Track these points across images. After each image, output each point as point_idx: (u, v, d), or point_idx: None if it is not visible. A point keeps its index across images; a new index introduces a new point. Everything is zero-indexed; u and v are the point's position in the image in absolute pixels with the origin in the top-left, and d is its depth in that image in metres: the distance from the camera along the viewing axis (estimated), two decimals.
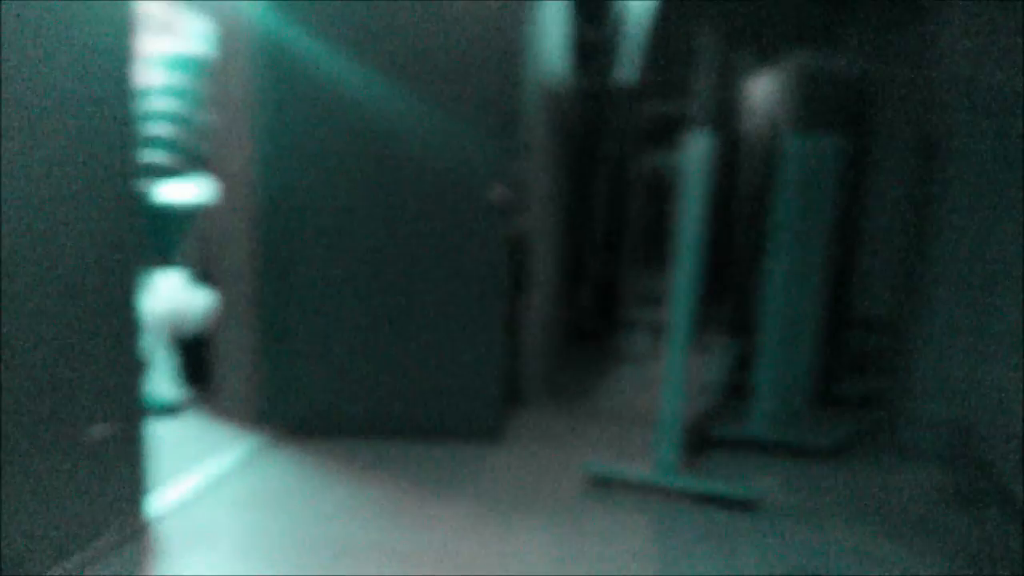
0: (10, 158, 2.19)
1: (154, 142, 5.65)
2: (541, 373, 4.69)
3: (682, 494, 3.21)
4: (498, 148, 3.52)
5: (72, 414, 2.46)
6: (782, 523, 3.02)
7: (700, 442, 3.74)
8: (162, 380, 4.26)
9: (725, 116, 6.06)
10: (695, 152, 3.15)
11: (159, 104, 5.72)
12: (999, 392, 3.49)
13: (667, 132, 6.53)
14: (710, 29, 3.35)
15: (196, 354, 4.14)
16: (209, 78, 3.77)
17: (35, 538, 2.35)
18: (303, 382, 3.73)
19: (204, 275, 4.08)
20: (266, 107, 3.59)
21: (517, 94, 3.53)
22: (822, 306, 4.05)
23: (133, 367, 2.72)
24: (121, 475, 2.69)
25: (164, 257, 4.81)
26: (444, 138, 3.53)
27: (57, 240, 2.36)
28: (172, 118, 5.75)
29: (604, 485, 3.30)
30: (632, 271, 6.22)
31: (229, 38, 3.67)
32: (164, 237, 4.83)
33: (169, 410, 3.94)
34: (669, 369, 3.23)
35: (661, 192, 6.43)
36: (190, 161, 5.64)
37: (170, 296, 4.18)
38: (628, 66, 5.51)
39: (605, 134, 5.76)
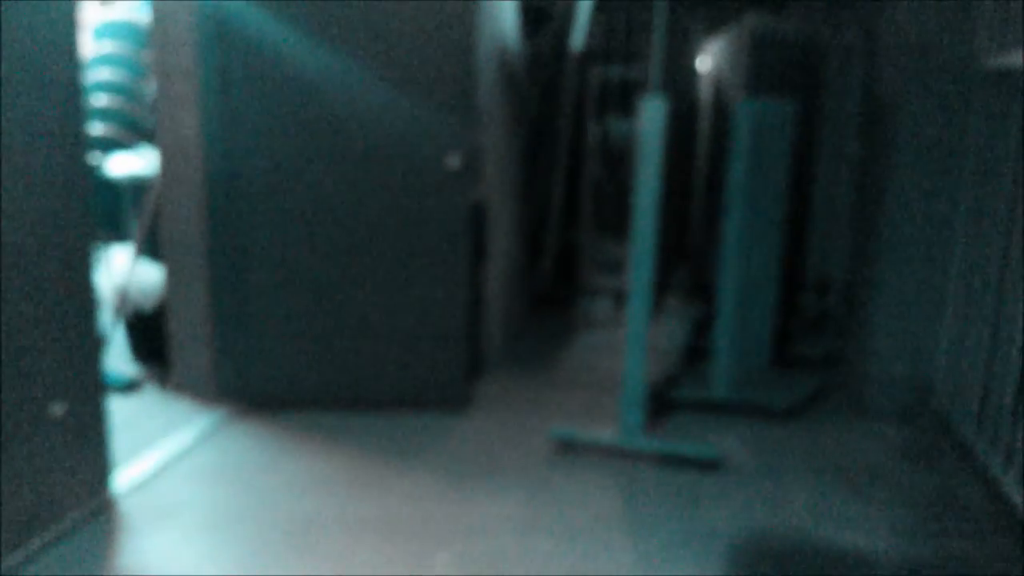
0: None
1: (98, 113, 5.48)
2: (503, 340, 4.70)
3: (647, 456, 3.25)
4: (454, 116, 3.48)
5: (32, 393, 2.39)
6: (745, 481, 3.08)
7: (663, 405, 3.79)
8: (117, 356, 4.17)
9: (678, 80, 6.08)
10: (650, 117, 3.15)
11: (101, 74, 5.54)
12: (954, 348, 3.59)
13: (621, 97, 6.53)
14: None
15: (150, 329, 4.05)
16: (152, 46, 3.64)
17: (0, 517, 2.29)
18: (261, 355, 3.67)
19: (154, 249, 3.98)
20: (211, 74, 3.48)
21: (471, 61, 3.48)
22: (779, 269, 4.12)
23: (91, 344, 2.65)
24: (84, 453, 2.63)
25: (113, 231, 4.68)
26: (399, 106, 3.48)
27: (8, 217, 2.27)
28: (115, 88, 5.57)
29: (570, 449, 3.33)
30: (591, 237, 6.23)
31: (171, 5, 3.54)
32: (112, 211, 4.70)
33: (126, 387, 3.85)
34: (631, 334, 3.25)
35: (618, 157, 6.44)
36: (135, 133, 5.48)
37: (121, 271, 4.07)
38: (580, 31, 5.47)
39: (559, 100, 5.73)
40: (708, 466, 3.18)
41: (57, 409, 2.48)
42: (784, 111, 4.02)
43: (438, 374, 3.68)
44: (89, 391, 2.66)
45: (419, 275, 3.59)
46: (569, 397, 4.02)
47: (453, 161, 3.49)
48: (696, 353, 4.47)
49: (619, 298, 5.70)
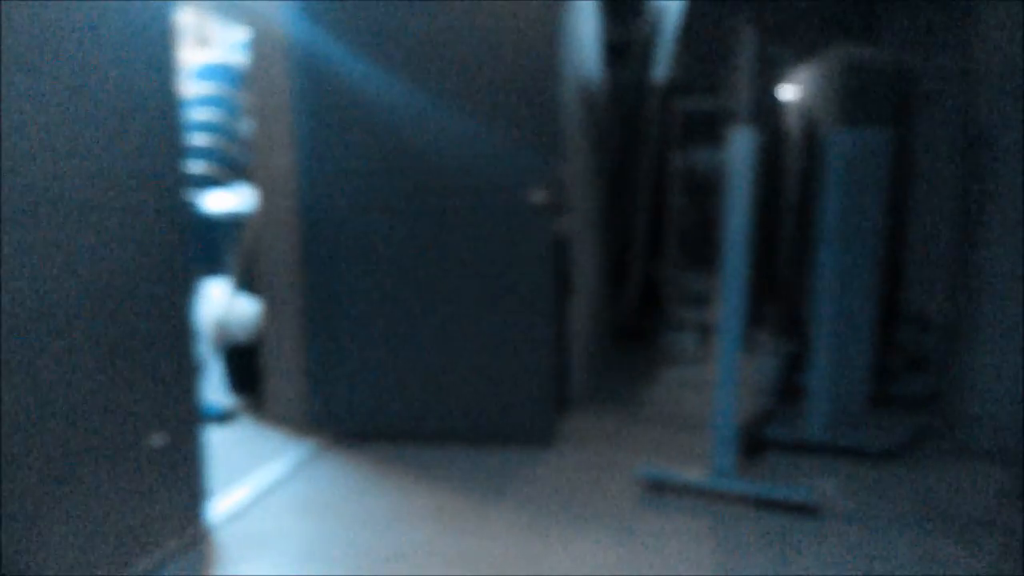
0: (62, 171, 2.21)
1: (196, 152, 5.72)
2: (587, 376, 4.66)
3: (739, 499, 3.15)
4: (538, 149, 3.50)
5: (131, 423, 2.48)
6: (844, 528, 2.95)
7: (755, 445, 3.68)
8: (213, 387, 4.30)
9: (767, 111, 5.98)
10: (739, 149, 3.09)
11: (199, 114, 5.79)
12: None
13: (705, 128, 6.46)
14: (747, 22, 3.29)
15: (244, 362, 4.17)
16: (247, 87, 3.78)
17: (99, 546, 2.37)
18: (351, 387, 3.73)
19: (249, 283, 4.11)
20: (305, 115, 3.60)
21: (554, 95, 3.50)
22: (875, 304, 3.97)
23: (189, 375, 2.74)
24: (180, 483, 2.71)
25: (210, 266, 4.85)
26: (483, 141, 3.52)
27: (110, 251, 2.37)
28: (212, 128, 5.81)
29: (658, 489, 3.25)
30: (674, 270, 6.15)
31: (265, 46, 3.69)
32: (209, 246, 4.88)
33: (222, 417, 3.97)
34: (722, 370, 3.17)
35: (702, 189, 6.36)
36: (231, 170, 5.69)
37: (218, 304, 4.21)
38: (664, 62, 5.45)
39: (642, 131, 5.71)
40: (804, 511, 3.06)
41: (156, 439, 2.57)
42: (878, 140, 3.89)
43: (523, 409, 3.67)
44: (186, 421, 2.74)
45: (505, 310, 3.60)
46: (656, 435, 3.94)
47: (537, 195, 3.50)
48: (789, 391, 4.33)
49: (705, 333, 5.59)
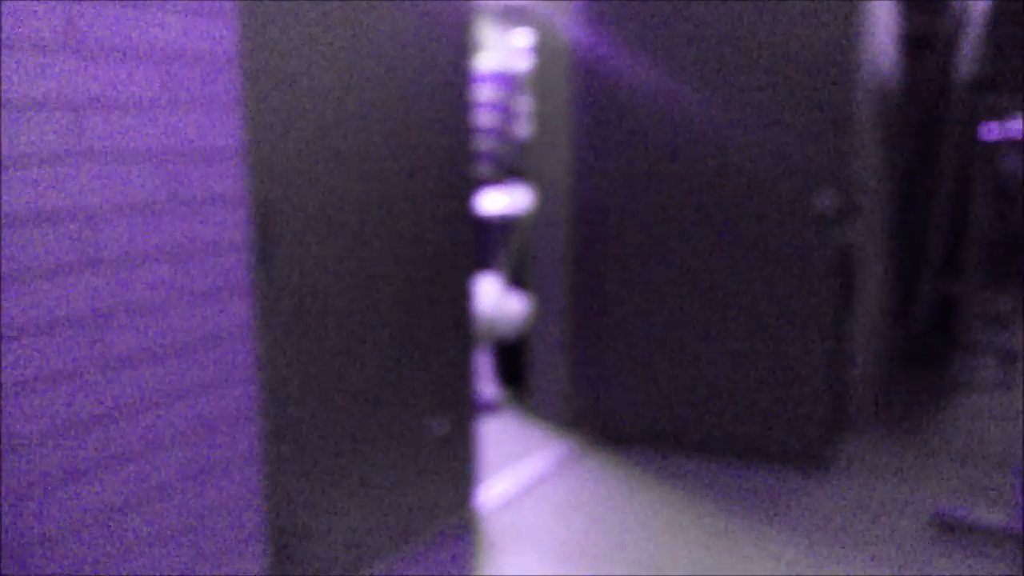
0: (384, 171, 2.38)
1: (477, 155, 6.04)
2: (871, 398, 4.28)
3: None
4: (828, 153, 3.25)
5: (414, 407, 2.63)
6: None
7: None
8: (481, 379, 4.50)
9: None
10: None
11: (480, 119, 6.10)
12: None
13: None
14: None
15: (511, 356, 4.31)
16: (526, 91, 3.89)
17: (378, 521, 2.54)
18: (614, 389, 3.71)
19: (520, 281, 4.24)
20: (584, 116, 3.63)
21: (849, 92, 3.23)
22: None
23: (468, 365, 2.86)
24: (454, 469, 2.84)
25: (483, 263, 5.09)
26: (770, 144, 3.33)
27: (406, 246, 2.53)
28: (492, 132, 6.10)
29: (949, 531, 2.90)
30: (974, 287, 5.49)
31: (548, 50, 3.76)
32: (482, 244, 5.11)
33: (487, 408, 4.13)
34: None
35: (1012, 197, 5.61)
36: (507, 172, 5.94)
37: (489, 300, 4.40)
38: (968, 57, 4.86)
39: (942, 132, 5.14)
40: None
41: (436, 425, 2.71)
42: None
43: (797, 429, 3.43)
44: (463, 410, 2.87)
45: (781, 321, 3.39)
46: (945, 469, 3.52)
47: (824, 199, 3.26)
48: None
49: (1007, 358, 4.93)
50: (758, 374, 3.45)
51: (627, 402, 3.70)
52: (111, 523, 1.78)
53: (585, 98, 3.64)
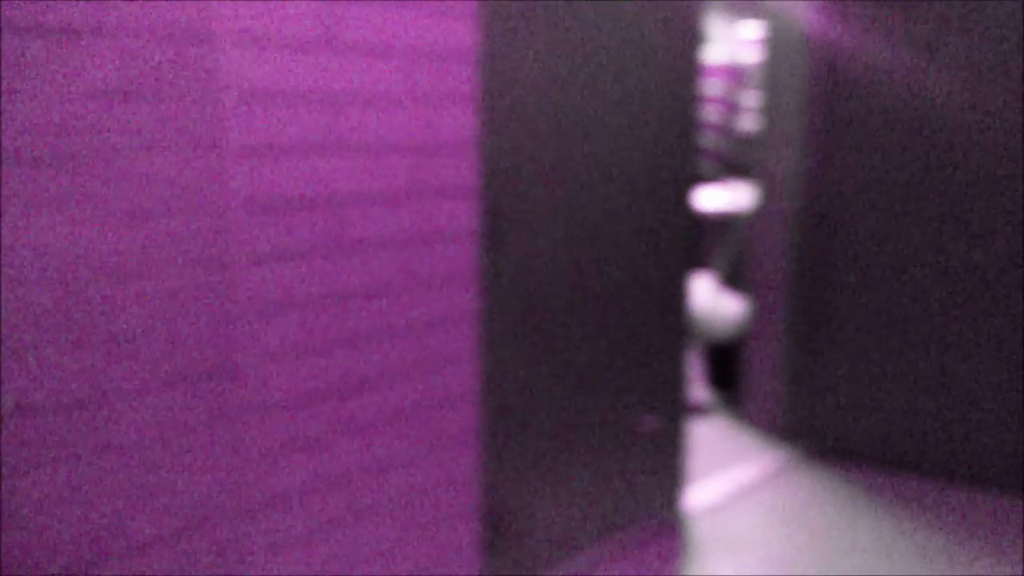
0: (599, 165, 2.40)
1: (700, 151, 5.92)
2: None
3: None
4: None
5: (627, 403, 2.63)
6: None
7: None
8: (692, 380, 4.41)
9: None
10: None
11: (703, 114, 5.97)
12: None
13: None
14: None
15: (724, 358, 4.19)
16: (753, 85, 3.74)
17: (584, 514, 2.57)
18: (831, 401, 3.50)
19: (735, 282, 4.10)
20: (819, 112, 3.43)
21: None
22: None
23: (681, 364, 2.82)
24: (662, 467, 2.81)
25: (699, 262, 4.98)
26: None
27: (625, 241, 2.53)
28: (715, 127, 5.95)
29: None
30: None
31: (781, 44, 3.59)
32: (699, 242, 5.00)
33: (695, 410, 4.05)
34: None
35: None
36: (729, 168, 5.77)
37: (703, 300, 4.29)
38: None
39: None
40: None
41: (648, 422, 2.69)
42: None
43: None
44: (675, 410, 2.83)
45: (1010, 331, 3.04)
46: None
47: None
48: None
49: None
50: (996, 393, 3.11)
51: (850, 415, 3.48)
52: (340, 489, 1.94)
53: (822, 93, 3.44)
